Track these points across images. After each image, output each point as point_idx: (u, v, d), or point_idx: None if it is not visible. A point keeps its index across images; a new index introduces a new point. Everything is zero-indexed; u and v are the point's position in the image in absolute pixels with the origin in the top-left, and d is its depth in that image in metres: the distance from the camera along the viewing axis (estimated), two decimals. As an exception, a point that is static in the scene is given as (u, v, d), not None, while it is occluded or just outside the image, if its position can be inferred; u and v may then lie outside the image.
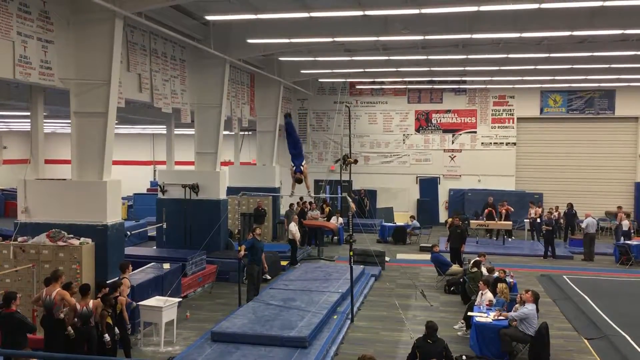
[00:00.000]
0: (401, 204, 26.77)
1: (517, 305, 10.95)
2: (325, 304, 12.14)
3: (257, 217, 20.42)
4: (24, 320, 8.59)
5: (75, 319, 9.27)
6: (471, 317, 11.05)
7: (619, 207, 22.44)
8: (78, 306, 9.24)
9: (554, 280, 16.04)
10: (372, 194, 26.54)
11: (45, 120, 13.07)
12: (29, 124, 12.52)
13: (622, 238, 20.21)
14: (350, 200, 13.43)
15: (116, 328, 9.62)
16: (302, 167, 12.20)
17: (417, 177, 27.01)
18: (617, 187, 25.48)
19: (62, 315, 9.24)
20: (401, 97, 27.04)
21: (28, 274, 10.80)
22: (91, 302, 9.34)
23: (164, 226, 17.01)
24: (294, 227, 17.75)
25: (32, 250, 10.88)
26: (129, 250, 14.28)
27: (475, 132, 26.50)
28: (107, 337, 9.43)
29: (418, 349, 8.36)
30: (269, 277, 15.53)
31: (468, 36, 15.83)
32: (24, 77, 10.00)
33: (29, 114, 12.56)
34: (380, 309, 13.44)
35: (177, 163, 20.25)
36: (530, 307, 10.30)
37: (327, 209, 22.56)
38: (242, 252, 13.35)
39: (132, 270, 11.77)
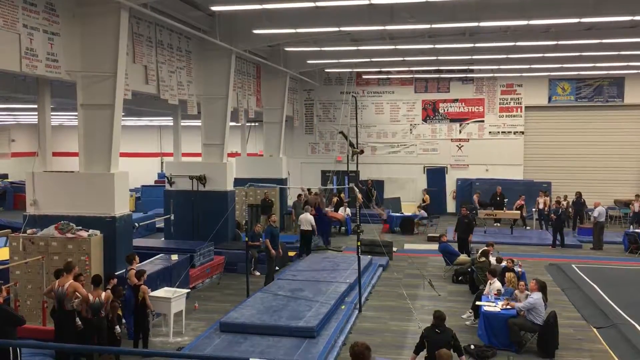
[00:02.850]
0: (408, 194, 26.70)
1: (516, 292, 10.97)
2: (333, 294, 12.17)
3: (264, 208, 20.44)
4: (12, 313, 8.46)
5: (87, 311, 9.34)
6: (479, 306, 11.05)
7: (638, 195, 22.16)
8: (90, 297, 9.29)
9: (563, 269, 15.99)
10: (379, 185, 26.50)
11: (52, 113, 13.11)
12: (37, 117, 12.56)
13: (630, 226, 20.13)
14: (357, 190, 13.42)
15: (117, 327, 9.69)
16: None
17: (424, 167, 26.92)
18: (626, 175, 25.27)
19: (74, 306, 9.29)
20: (408, 86, 26.91)
21: (37, 266, 10.87)
22: (103, 294, 9.40)
23: (172, 218, 17.07)
24: (312, 218, 17.60)
25: (41, 242, 10.95)
26: (137, 242, 14.34)
27: (482, 121, 26.34)
28: (118, 328, 9.53)
29: (426, 339, 8.36)
30: (277, 268, 15.56)
31: (475, 24, 15.69)
32: (30, 69, 10.02)
33: (36, 106, 12.60)
34: (388, 299, 13.45)
35: (184, 155, 20.27)
36: (536, 297, 10.28)
37: (335, 200, 22.54)
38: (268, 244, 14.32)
39: (141, 262, 11.83)
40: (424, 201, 24.47)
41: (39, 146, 12.15)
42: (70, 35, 10.94)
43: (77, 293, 9.30)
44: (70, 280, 9.32)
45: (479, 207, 22.90)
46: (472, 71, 25.42)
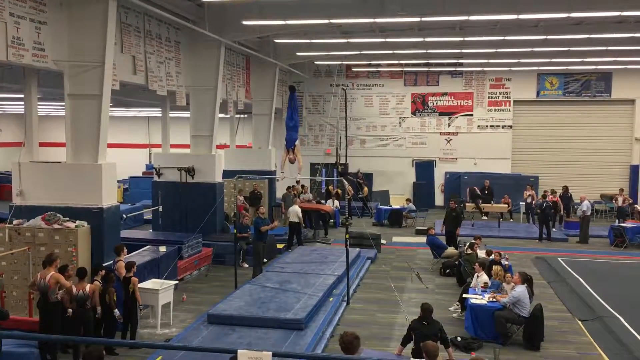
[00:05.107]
0: (397, 187, 26.79)
1: (503, 284, 11.07)
2: (322, 286, 12.19)
3: (252, 200, 20.40)
4: None
5: (72, 302, 9.29)
6: (466, 299, 11.12)
7: (622, 190, 22.57)
8: (74, 289, 9.24)
9: (549, 262, 16.15)
10: (368, 177, 26.54)
11: (39, 103, 12.98)
12: (23, 107, 12.42)
13: (617, 220, 20.36)
14: (347, 183, 13.45)
15: (116, 311, 9.68)
16: (294, 145, 12.28)
17: (413, 160, 26.99)
18: (612, 170, 25.53)
19: (58, 297, 9.24)
20: (397, 79, 26.91)
21: (24, 257, 10.79)
22: (88, 286, 9.34)
23: (160, 209, 16.99)
24: (299, 210, 17.68)
25: (28, 233, 10.86)
26: (125, 234, 14.29)
27: (471, 115, 26.44)
28: (117, 312, 9.53)
29: (413, 331, 8.42)
30: (264, 260, 15.57)
31: (465, 18, 15.72)
32: (17, 58, 9.91)
33: (22, 96, 12.46)
34: (376, 291, 13.50)
35: (173, 146, 20.16)
36: (519, 289, 10.36)
37: (336, 190, 22.65)
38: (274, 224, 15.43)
39: (129, 253, 11.78)
40: (363, 193, 24.39)
41: (26, 136, 12.03)
42: (57, 24, 10.81)
43: (59, 284, 9.23)
44: (52, 272, 9.22)
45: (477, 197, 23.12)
46: (461, 65, 25.47)
